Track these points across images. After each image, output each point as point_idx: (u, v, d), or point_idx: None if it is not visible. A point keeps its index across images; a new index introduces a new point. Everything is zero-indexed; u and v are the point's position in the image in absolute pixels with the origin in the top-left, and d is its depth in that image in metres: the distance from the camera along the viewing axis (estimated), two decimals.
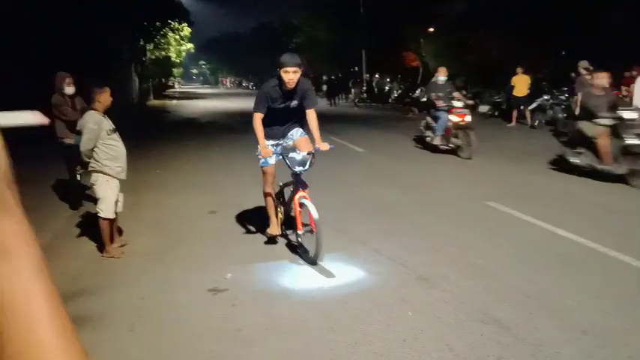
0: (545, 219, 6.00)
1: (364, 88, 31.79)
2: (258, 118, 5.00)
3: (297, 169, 4.99)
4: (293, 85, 4.84)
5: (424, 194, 7.50)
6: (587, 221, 6.01)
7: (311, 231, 4.84)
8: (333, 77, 33.19)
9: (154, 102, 34.35)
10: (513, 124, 16.06)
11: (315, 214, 4.71)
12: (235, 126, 18.93)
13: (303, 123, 5.29)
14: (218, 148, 13.18)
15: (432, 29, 27.96)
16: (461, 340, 3.44)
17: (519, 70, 16.02)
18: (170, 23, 31.76)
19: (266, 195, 5.30)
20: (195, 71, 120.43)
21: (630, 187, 7.59)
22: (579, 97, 10.90)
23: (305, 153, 5.03)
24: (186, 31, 37.54)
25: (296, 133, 5.30)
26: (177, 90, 55.87)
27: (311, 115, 5.09)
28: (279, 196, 5.54)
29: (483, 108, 20.25)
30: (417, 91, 23.04)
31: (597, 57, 15.10)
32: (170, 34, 33.98)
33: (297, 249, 5.21)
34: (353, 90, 30.46)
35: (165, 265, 5.02)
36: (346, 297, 4.16)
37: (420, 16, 26.77)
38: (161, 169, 10.07)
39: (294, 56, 4.92)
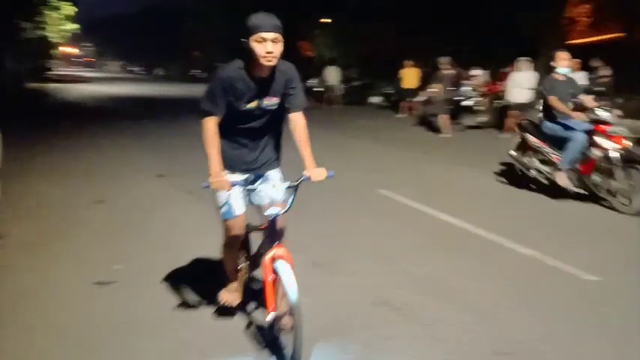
0: (433, 206, 6.33)
1: None
2: (210, 125, 3.02)
3: (271, 211, 3.04)
4: (272, 63, 2.90)
5: (326, 181, 7.57)
6: (468, 206, 6.42)
7: (288, 315, 3.00)
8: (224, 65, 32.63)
9: (33, 85, 31.88)
10: (403, 114, 16.74)
11: (292, 294, 2.85)
12: (124, 112, 18.10)
13: (278, 140, 3.32)
14: (106, 134, 12.51)
15: (326, 20, 28.32)
16: (352, 322, 3.55)
17: (407, 63, 16.69)
18: (48, 1, 29.52)
19: (227, 256, 3.43)
20: (79, 53, 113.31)
21: (517, 176, 8.19)
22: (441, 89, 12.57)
23: (284, 186, 3.13)
24: (69, 10, 35.09)
25: (281, 182, 3.23)
26: (60, 73, 52.25)
27: (298, 123, 3.11)
28: (244, 244, 3.57)
29: (375, 99, 20.97)
30: (310, 81, 23.28)
31: (479, 55, 16.17)
32: (48, 12, 31.56)
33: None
34: None
35: (46, 258, 4.69)
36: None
37: (315, 6, 27.02)
38: (42, 156, 9.38)
39: (273, 17, 2.91)
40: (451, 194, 7.10)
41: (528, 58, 12.65)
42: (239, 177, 3.15)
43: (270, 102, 3.09)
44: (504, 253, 4.89)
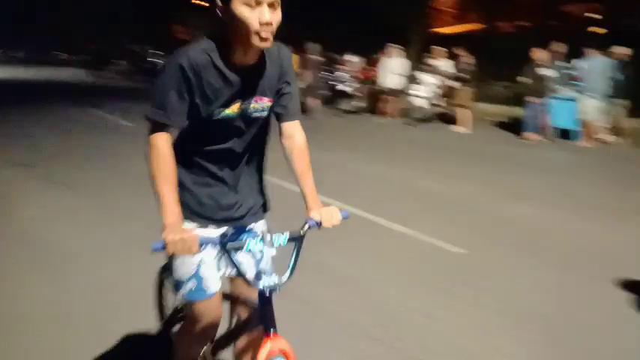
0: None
1: (131, 60, 30.27)
2: (162, 145, 1.88)
3: (267, 282, 1.93)
4: (269, 43, 1.83)
5: None
6: (346, 188, 6.63)
7: None
8: (95, 47, 30.98)
9: None
10: None
11: None
12: None
13: (262, 169, 2.22)
14: None
15: (202, 2, 27.64)
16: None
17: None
18: None
19: (186, 347, 2.22)
20: None
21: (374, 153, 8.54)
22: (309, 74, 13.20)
23: (283, 238, 1.94)
24: None
25: (276, 234, 1.95)
26: None
27: (297, 139, 2.11)
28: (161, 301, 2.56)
29: None
30: None
31: (355, 41, 16.65)
32: None
33: None
34: (120, 62, 28.85)
35: None
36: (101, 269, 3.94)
37: None
38: None
39: None
40: (329, 176, 7.26)
41: (398, 46, 13.26)
42: (212, 232, 2.00)
43: (260, 105, 1.97)
44: (381, 232, 5.12)
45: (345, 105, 14.26)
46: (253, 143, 2.06)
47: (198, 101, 1.87)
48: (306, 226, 1.98)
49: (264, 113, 2.01)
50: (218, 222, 2.04)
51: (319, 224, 2.00)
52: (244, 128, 1.99)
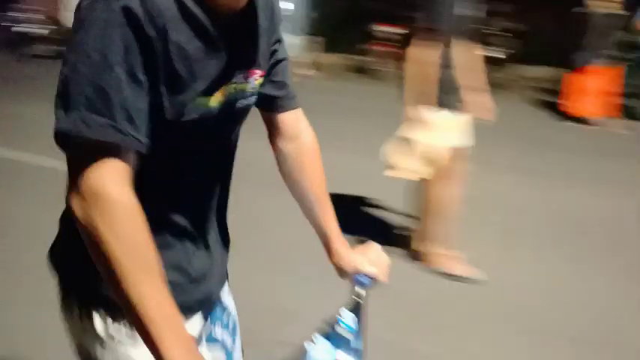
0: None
1: None
2: (117, 192, 0.83)
3: None
4: None
5: None
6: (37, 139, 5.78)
7: None
8: None
9: None
10: None
11: None
12: None
13: (226, 192, 1.20)
14: None
15: None
16: None
17: None
18: None
19: None
20: None
21: None
22: None
23: (349, 320, 1.07)
24: None
25: (342, 325, 1.09)
26: None
27: (304, 138, 1.23)
28: None
29: None
30: None
31: None
32: None
33: None
34: None
35: None
36: None
37: None
38: None
39: None
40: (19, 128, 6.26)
41: None
42: (195, 325, 1.10)
43: (252, 84, 1.06)
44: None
45: (36, 49, 12.50)
46: (224, 159, 1.13)
47: (162, 88, 0.89)
48: (360, 288, 1.16)
49: (253, 99, 1.10)
50: (191, 309, 1.07)
51: (373, 282, 1.18)
52: (224, 133, 1.08)
